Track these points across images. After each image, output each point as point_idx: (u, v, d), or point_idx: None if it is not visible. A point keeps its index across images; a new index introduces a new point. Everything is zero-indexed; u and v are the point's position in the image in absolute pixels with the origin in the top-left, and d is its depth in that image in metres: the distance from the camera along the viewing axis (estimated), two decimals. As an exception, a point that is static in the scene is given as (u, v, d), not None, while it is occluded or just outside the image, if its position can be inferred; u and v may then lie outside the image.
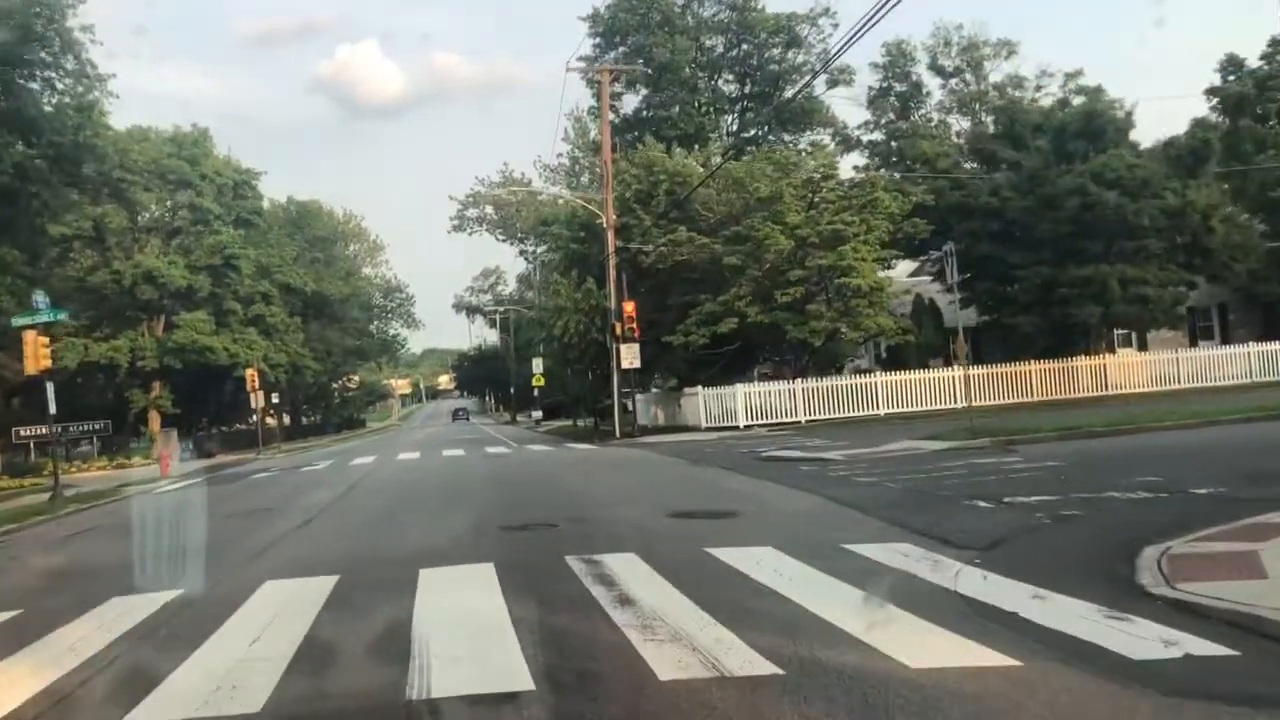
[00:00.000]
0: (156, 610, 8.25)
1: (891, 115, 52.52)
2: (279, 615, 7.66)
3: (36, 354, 23.58)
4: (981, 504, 11.46)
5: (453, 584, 8.52)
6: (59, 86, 32.49)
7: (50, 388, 24.19)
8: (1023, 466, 15.18)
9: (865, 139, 52.25)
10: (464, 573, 9.02)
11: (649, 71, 51.13)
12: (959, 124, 53.11)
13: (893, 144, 48.55)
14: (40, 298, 24.24)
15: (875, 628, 6.24)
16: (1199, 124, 36.38)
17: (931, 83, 52.98)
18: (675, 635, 6.26)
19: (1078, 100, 39.20)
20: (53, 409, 24.43)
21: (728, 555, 9.02)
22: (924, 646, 5.84)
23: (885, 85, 53.11)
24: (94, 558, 12.84)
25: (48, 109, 31.97)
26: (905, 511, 11.30)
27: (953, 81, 53.69)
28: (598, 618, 6.91)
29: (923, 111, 53.43)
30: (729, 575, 8.21)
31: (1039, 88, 49.18)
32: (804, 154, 39.61)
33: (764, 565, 8.48)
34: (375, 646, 6.58)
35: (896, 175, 39.50)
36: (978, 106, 52.91)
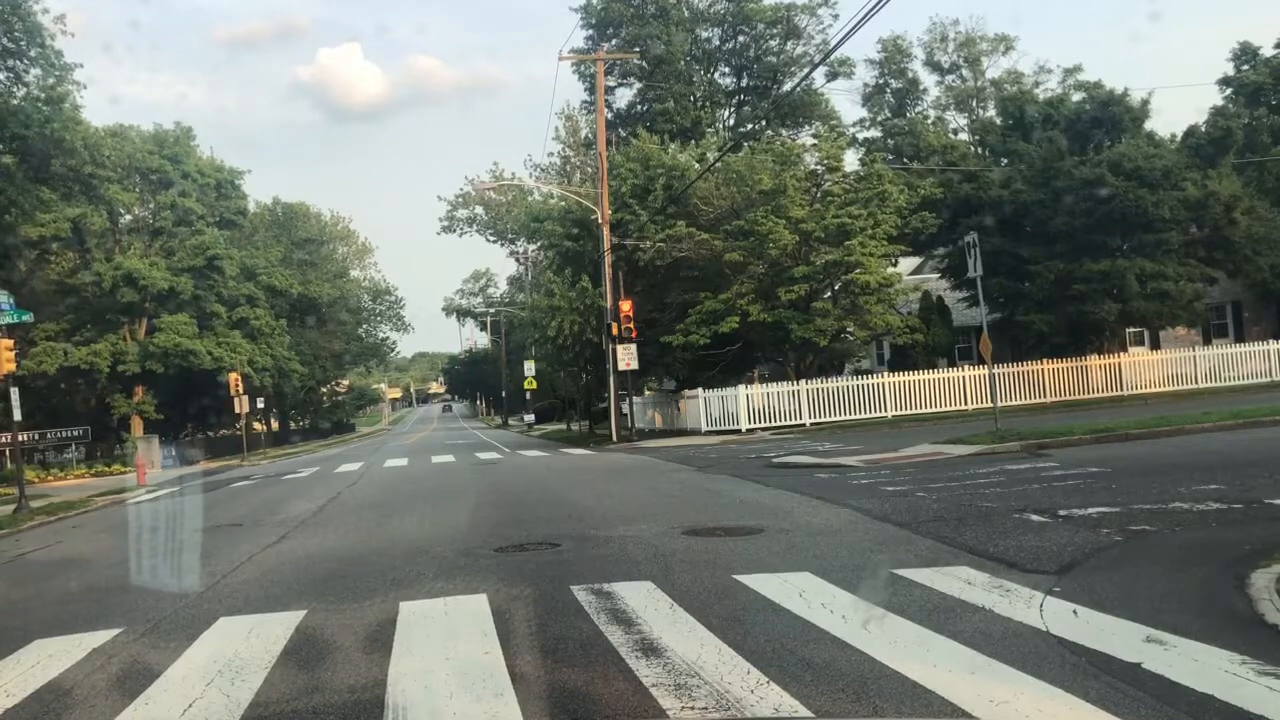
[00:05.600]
0: (83, 658, 6.91)
1: (888, 113, 51.45)
2: (227, 667, 6.30)
3: (0, 357, 22.14)
4: (1034, 517, 10.22)
5: (439, 624, 7.17)
6: (26, 78, 31.03)
7: (15, 393, 22.82)
8: (1063, 473, 13.93)
9: (861, 136, 51.28)
10: (452, 608, 7.68)
11: (644, 65, 49.90)
12: (955, 121, 52.16)
13: (889, 141, 47.50)
14: (3, 298, 22.76)
15: (970, 688, 4.95)
16: (1219, 112, 35.16)
17: (928, 79, 51.97)
18: (720, 700, 4.95)
19: (1077, 96, 38.05)
20: (18, 415, 23.07)
21: (762, 584, 7.74)
22: (1041, 716, 4.57)
23: (882, 82, 52.09)
24: (35, 584, 11.48)
25: (15, 101, 30.42)
26: (950, 527, 10.05)
27: (949, 78, 52.72)
28: (617, 673, 5.58)
29: (919, 109, 52.40)
30: (769, 611, 6.90)
31: (1037, 84, 48.28)
32: (811, 142, 38.30)
33: (809, 598, 7.18)
34: (339, 713, 5.25)
35: (907, 161, 38.28)
36: (974, 103, 51.96)
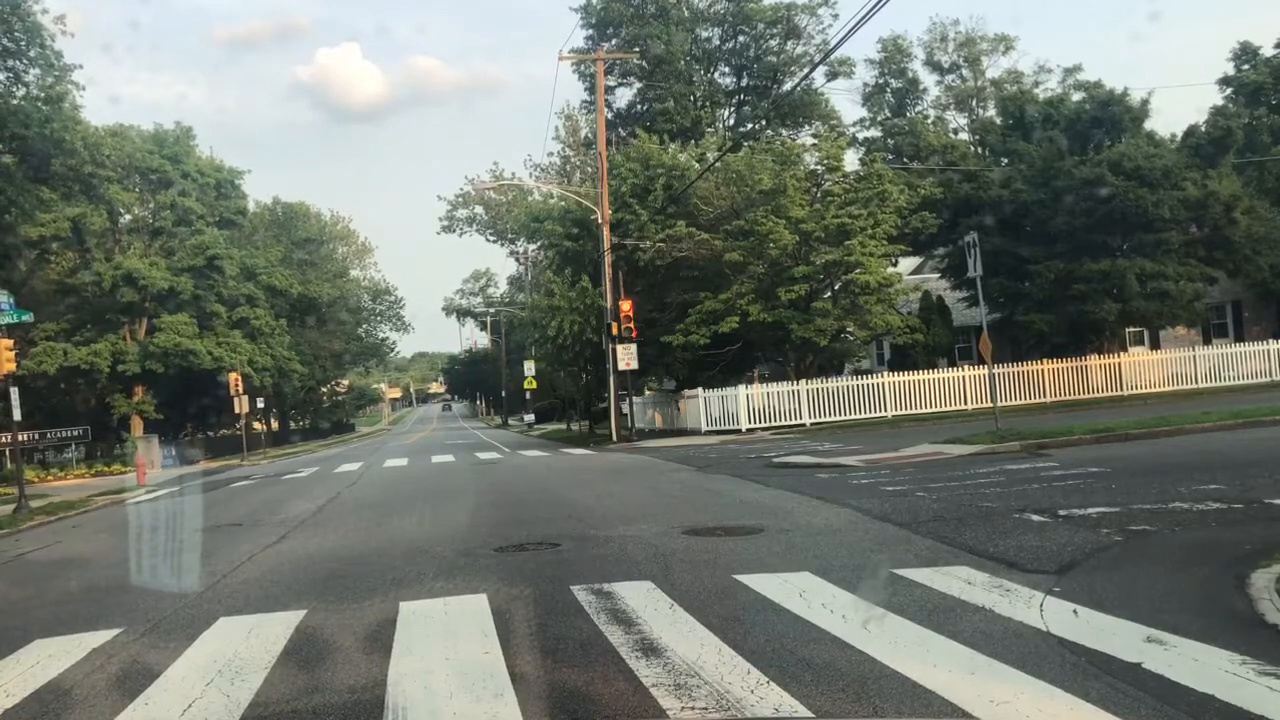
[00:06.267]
0: (83, 658, 6.91)
1: (887, 112, 51.39)
2: (227, 667, 6.30)
3: (0, 357, 22.13)
4: (1034, 517, 10.21)
5: (439, 624, 7.17)
6: (25, 78, 31.02)
7: (15, 393, 22.81)
8: (1063, 473, 13.93)
9: (861, 136, 51.24)
10: (452, 608, 7.68)
11: (644, 65, 49.88)
12: (955, 120, 52.12)
13: (889, 141, 47.47)
14: (3, 298, 22.75)
15: (970, 688, 4.94)
16: (1219, 112, 35.17)
17: (928, 79, 51.93)
18: (720, 700, 4.95)
19: (1077, 96, 38.04)
20: (17, 415, 23.07)
21: (762, 584, 7.74)
22: (1041, 716, 4.56)
23: (882, 82, 52.02)
24: (35, 584, 11.47)
25: (15, 101, 30.40)
26: (950, 526, 10.04)
27: (949, 78, 52.66)
28: (617, 674, 5.58)
29: (919, 109, 52.33)
30: (769, 611, 6.90)
31: (1037, 84, 48.22)
32: (811, 142, 38.31)
33: (809, 598, 7.17)
34: (339, 713, 5.25)
35: (907, 161, 38.27)
36: (974, 103, 51.92)
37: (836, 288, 33.04)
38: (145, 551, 13.33)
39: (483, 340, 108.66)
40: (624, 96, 54.53)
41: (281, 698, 5.60)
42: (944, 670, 5.24)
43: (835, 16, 50.84)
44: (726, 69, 54.56)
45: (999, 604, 6.70)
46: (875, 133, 49.85)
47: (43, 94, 31.52)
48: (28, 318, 25.74)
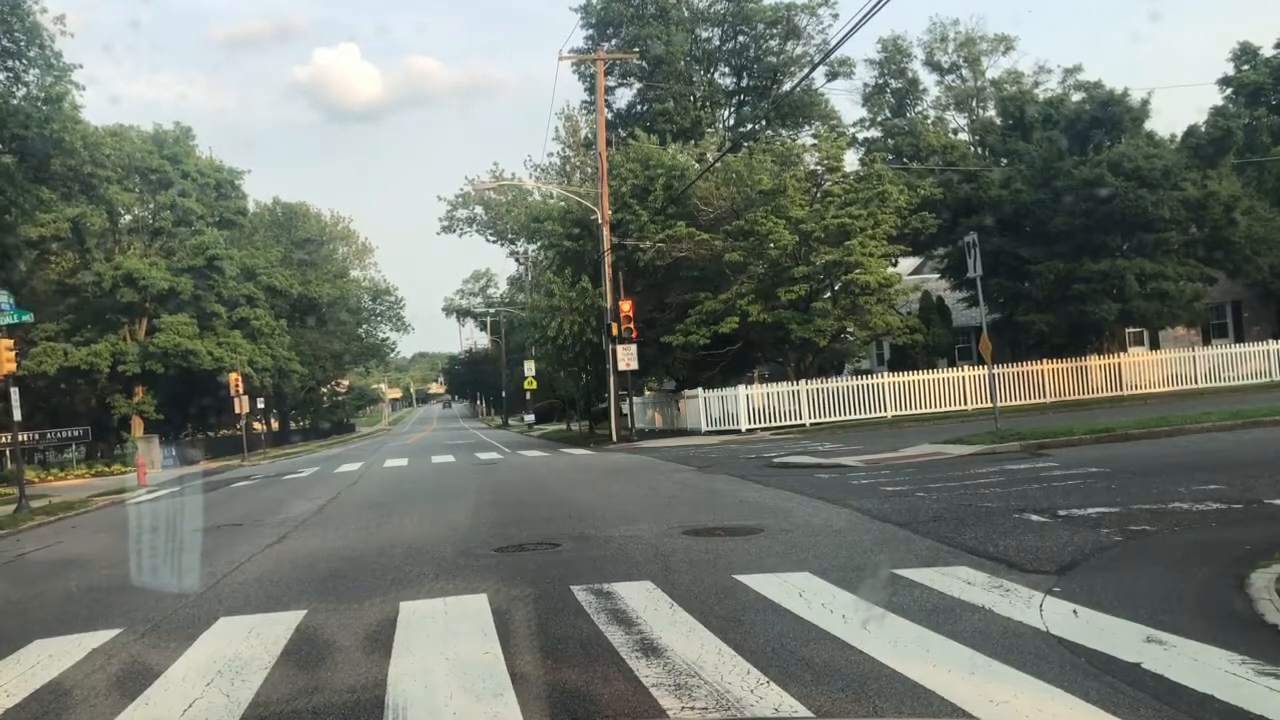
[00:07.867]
0: (83, 658, 6.91)
1: (887, 113, 51.36)
2: (227, 667, 6.31)
3: (0, 357, 22.12)
4: (1034, 518, 10.21)
5: (439, 624, 7.17)
6: (25, 78, 31.01)
7: (15, 393, 22.82)
8: (1063, 474, 13.93)
9: (861, 136, 51.25)
10: (452, 608, 7.68)
11: (644, 65, 49.90)
12: (955, 121, 52.12)
13: (889, 141, 47.48)
14: (3, 298, 22.74)
15: (970, 687, 4.95)
16: (1219, 112, 35.19)
17: (928, 79, 51.94)
18: (720, 700, 4.95)
19: (1077, 96, 38.04)
20: (18, 415, 23.08)
21: (762, 584, 7.74)
22: (1041, 716, 4.56)
23: (881, 82, 52.02)
24: (35, 584, 11.48)
25: (14, 101, 30.39)
26: (950, 527, 10.04)
27: (949, 78, 52.66)
28: (617, 674, 5.58)
29: (919, 109, 52.32)
30: (769, 611, 6.90)
31: (1037, 84, 48.23)
32: (811, 142, 38.32)
33: (809, 598, 7.18)
34: (339, 713, 5.25)
35: (907, 161, 38.29)
36: (974, 103, 51.92)
37: (836, 288, 33.04)
38: (145, 552, 13.34)
39: (483, 340, 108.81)
40: (624, 97, 54.66)
41: (282, 697, 5.61)
42: (944, 670, 5.24)
43: (835, 16, 50.97)
44: (726, 69, 54.58)
45: (999, 604, 6.70)
46: (875, 133, 49.86)
47: (42, 94, 31.49)
48: (28, 318, 25.73)
